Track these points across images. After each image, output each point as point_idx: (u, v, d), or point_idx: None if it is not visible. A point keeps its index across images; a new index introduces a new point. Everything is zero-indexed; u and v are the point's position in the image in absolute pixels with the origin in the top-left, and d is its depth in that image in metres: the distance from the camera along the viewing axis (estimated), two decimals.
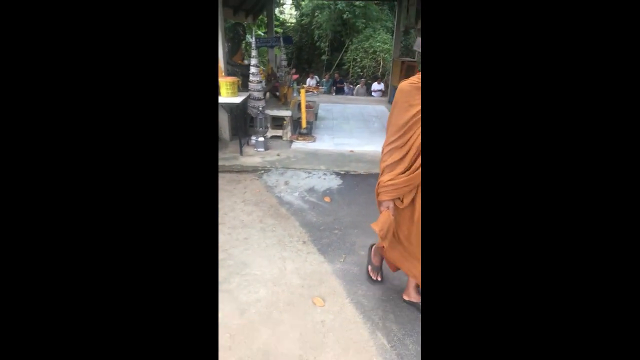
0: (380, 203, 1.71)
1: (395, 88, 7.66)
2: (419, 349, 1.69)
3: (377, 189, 1.68)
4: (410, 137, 1.55)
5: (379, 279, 2.16)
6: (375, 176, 3.91)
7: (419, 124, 1.52)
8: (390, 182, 1.59)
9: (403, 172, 1.58)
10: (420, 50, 6.49)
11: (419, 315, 1.91)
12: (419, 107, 1.52)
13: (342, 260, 2.42)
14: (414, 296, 1.98)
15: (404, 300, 2.02)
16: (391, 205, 1.67)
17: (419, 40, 6.50)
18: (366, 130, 5.68)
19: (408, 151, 1.56)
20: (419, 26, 6.15)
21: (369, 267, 2.20)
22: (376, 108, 7.45)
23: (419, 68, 7.01)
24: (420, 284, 1.82)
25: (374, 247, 2.19)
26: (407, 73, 7.06)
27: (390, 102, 7.87)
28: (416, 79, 1.57)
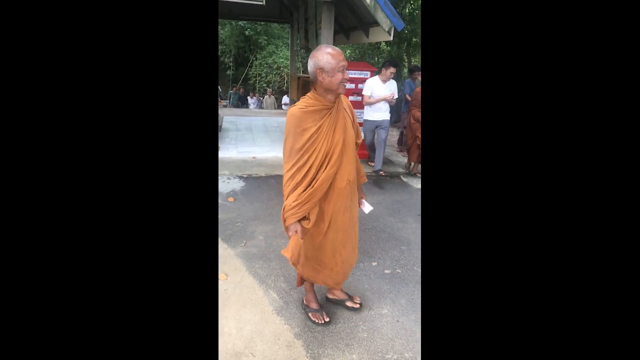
0: (287, 228, 1.68)
1: (294, 101, 8.32)
2: (301, 296, 2.21)
3: (283, 214, 1.65)
4: (309, 157, 1.59)
5: (327, 319, 2.01)
6: (276, 177, 4.42)
7: (315, 145, 1.59)
8: (295, 203, 1.60)
9: (304, 190, 1.61)
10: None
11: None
12: (312, 130, 1.57)
13: (243, 245, 2.85)
14: (337, 293, 2.10)
15: (328, 299, 2.12)
16: (299, 228, 1.66)
17: None
18: (268, 139, 6.20)
19: (308, 170, 1.60)
20: (310, 45, 6.94)
21: (310, 314, 2.03)
22: (278, 120, 8.05)
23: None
24: (334, 289, 1.94)
25: (304, 298, 2.12)
26: (304, 88, 7.82)
27: None
28: (303, 103, 1.62)
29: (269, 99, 11.23)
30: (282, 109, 10.52)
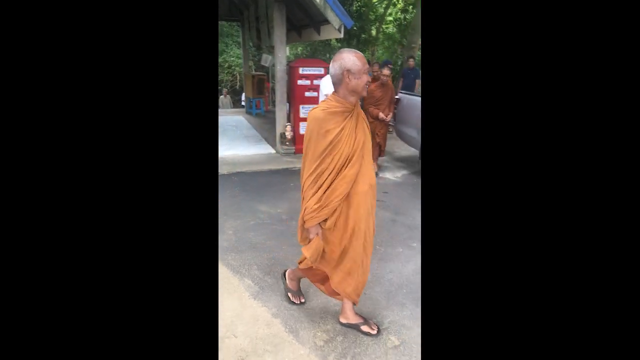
0: (308, 230, 1.72)
1: (250, 100, 8.27)
2: (276, 280, 2.36)
3: (305, 216, 1.68)
4: (331, 160, 1.61)
5: (302, 299, 2.14)
6: (238, 174, 4.50)
7: (338, 147, 1.61)
8: (316, 206, 1.64)
9: (324, 192, 1.64)
10: (267, 64, 7.46)
11: (276, 261, 2.58)
12: (335, 132, 1.59)
13: None
14: (351, 317, 1.96)
15: (341, 323, 1.98)
16: (320, 230, 1.72)
17: (265, 56, 7.51)
18: (226, 138, 6.21)
19: (330, 173, 1.62)
20: (262, 44, 7.00)
21: (289, 294, 2.15)
22: (234, 118, 8.04)
23: (269, 81, 8.00)
24: (354, 300, 1.87)
25: (287, 274, 2.18)
26: (259, 86, 7.87)
27: (248, 112, 8.54)
28: (325, 104, 1.63)
29: (224, 99, 11.12)
30: (241, 105, 10.48)
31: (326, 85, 4.31)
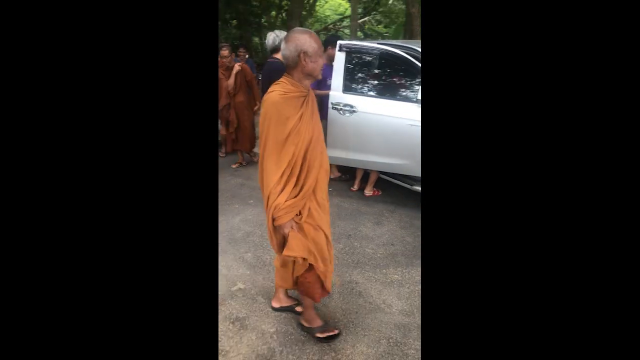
0: (280, 227, 1.53)
1: None
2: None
3: (275, 214, 1.49)
4: (294, 149, 1.47)
5: (335, 330, 1.83)
6: None
7: (300, 135, 1.47)
8: (288, 203, 1.48)
9: (295, 186, 1.50)
10: None
11: None
12: (295, 118, 1.46)
13: None
14: (284, 301, 1.98)
15: (273, 308, 1.98)
16: (294, 224, 1.55)
17: None
18: None
19: (295, 163, 1.48)
20: None
21: (318, 335, 1.81)
22: None
23: None
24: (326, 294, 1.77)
25: (303, 317, 1.88)
26: None
27: None
28: (281, 89, 1.47)
29: None
30: None
31: None
